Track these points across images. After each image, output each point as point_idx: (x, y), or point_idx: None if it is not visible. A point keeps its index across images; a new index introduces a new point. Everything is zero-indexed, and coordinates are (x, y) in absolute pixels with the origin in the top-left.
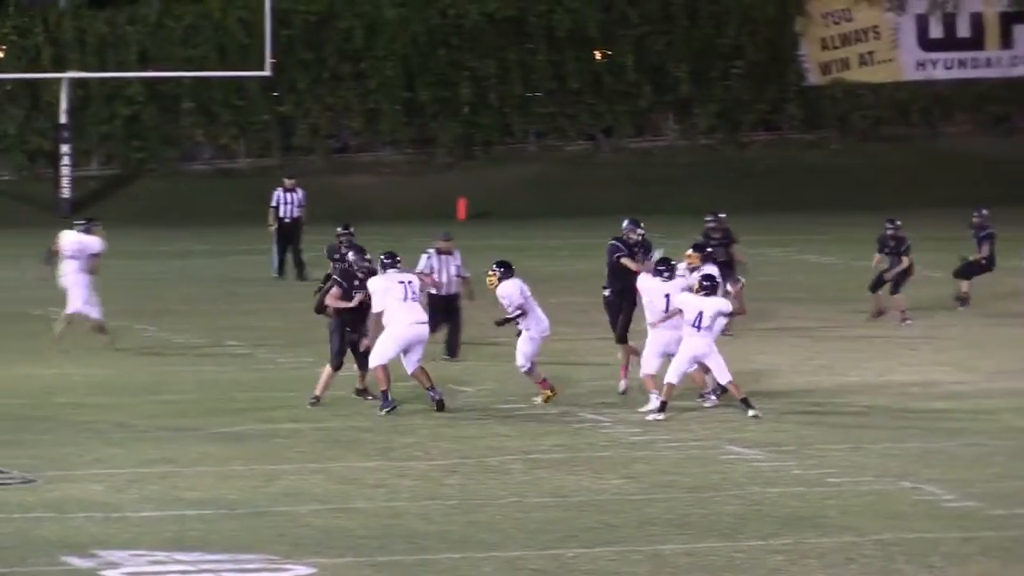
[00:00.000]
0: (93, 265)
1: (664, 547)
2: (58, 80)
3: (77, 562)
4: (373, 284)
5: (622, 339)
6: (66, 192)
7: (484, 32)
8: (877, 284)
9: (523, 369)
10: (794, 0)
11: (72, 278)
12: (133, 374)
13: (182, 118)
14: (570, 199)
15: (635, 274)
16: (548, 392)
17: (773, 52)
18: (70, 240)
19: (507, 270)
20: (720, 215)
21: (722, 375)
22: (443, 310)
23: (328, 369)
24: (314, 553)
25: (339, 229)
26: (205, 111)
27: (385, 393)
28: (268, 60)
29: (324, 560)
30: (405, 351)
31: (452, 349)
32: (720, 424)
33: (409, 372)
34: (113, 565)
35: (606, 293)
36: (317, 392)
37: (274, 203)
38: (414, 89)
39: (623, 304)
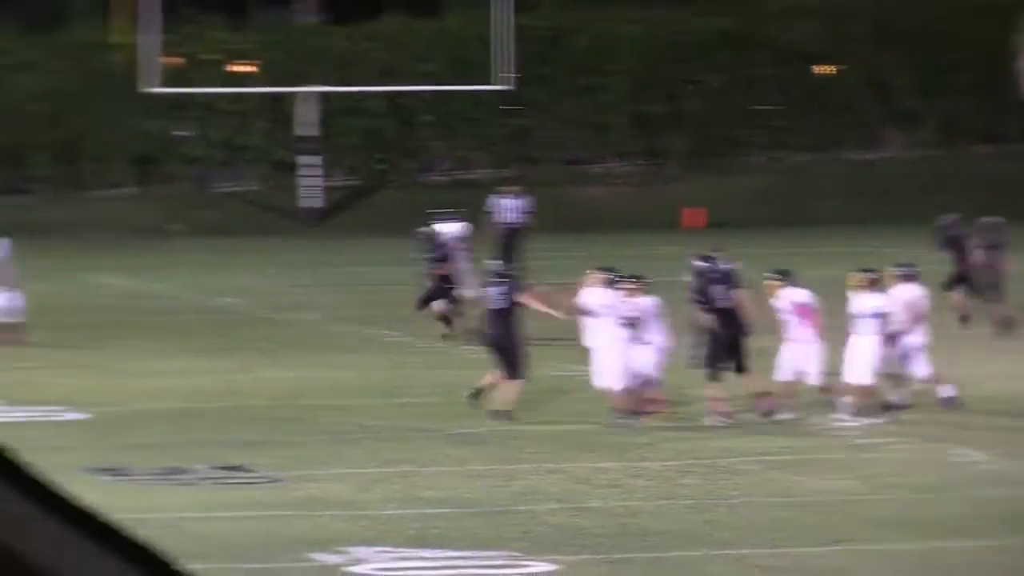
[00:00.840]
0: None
1: (890, 546)
2: (302, 94)
3: (325, 558)
4: (594, 296)
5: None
6: (311, 202)
7: (712, 47)
8: None
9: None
10: (1016, 15)
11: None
12: (374, 377)
13: (421, 131)
14: (796, 209)
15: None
16: (660, 410)
17: (995, 66)
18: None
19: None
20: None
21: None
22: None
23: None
24: (553, 551)
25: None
26: (444, 124)
27: (631, 412)
28: (507, 74)
29: (562, 557)
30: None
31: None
32: (945, 426)
33: (622, 390)
34: (360, 561)
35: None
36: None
37: (493, 209)
38: (644, 102)
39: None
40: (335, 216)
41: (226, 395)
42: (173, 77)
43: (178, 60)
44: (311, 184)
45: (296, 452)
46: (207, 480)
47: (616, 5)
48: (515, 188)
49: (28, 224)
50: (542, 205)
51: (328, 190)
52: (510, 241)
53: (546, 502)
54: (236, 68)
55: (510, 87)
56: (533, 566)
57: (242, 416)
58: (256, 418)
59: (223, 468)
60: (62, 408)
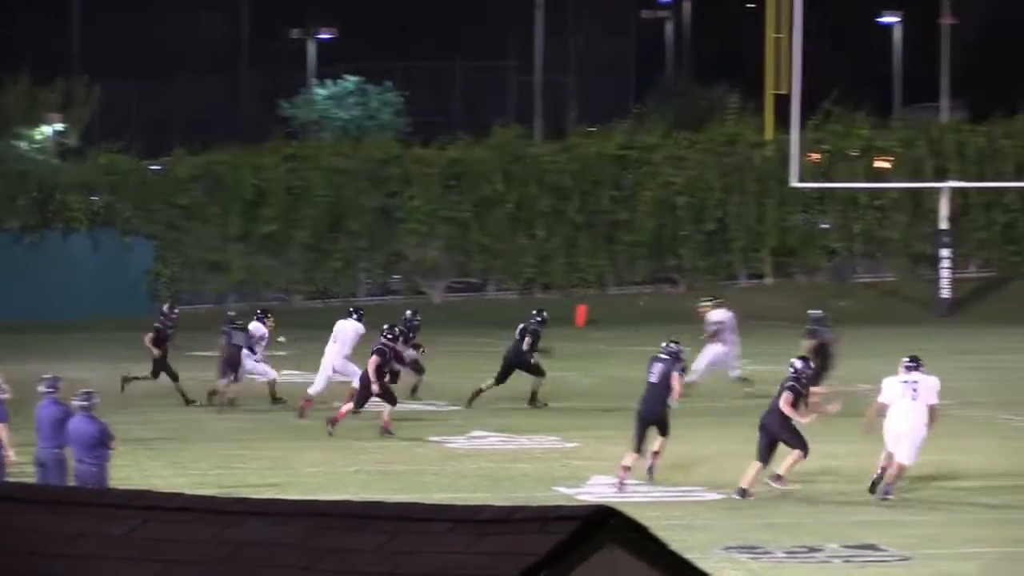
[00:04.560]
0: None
1: None
2: (939, 189)
3: None
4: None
5: None
6: (945, 293)
7: None
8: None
9: None
10: None
11: None
12: (1003, 459)
13: None
14: None
15: None
16: None
17: None
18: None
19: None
20: None
21: None
22: None
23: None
24: None
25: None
26: None
27: None
28: None
29: None
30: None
31: None
32: None
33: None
34: None
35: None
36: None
37: None
38: None
39: None
40: (968, 306)
41: (862, 478)
42: (816, 172)
43: (818, 156)
44: (943, 276)
45: (926, 531)
46: (838, 558)
47: None
48: None
49: (673, 314)
50: None
51: (961, 281)
52: None
53: None
54: (877, 163)
55: None
56: None
57: (870, 497)
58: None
59: (854, 547)
60: (700, 488)
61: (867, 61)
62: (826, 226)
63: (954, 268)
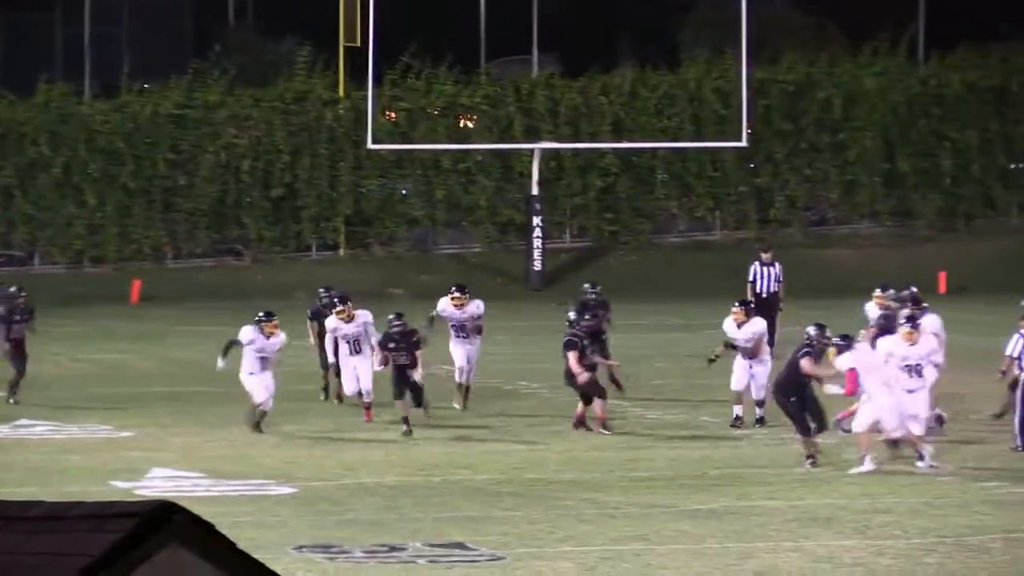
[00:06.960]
0: None
1: None
2: (530, 151)
3: None
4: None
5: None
6: (538, 265)
7: (965, 102)
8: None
9: None
10: None
11: None
12: (605, 450)
13: (656, 189)
14: None
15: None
16: None
17: None
18: None
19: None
20: None
21: None
22: None
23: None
24: None
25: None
26: (680, 182)
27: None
28: (744, 130)
29: None
30: None
31: None
32: None
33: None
34: None
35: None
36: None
37: (751, 278)
38: (894, 160)
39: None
40: (561, 279)
41: (447, 468)
42: (394, 132)
43: (396, 115)
44: (535, 246)
45: (521, 529)
46: (423, 558)
47: (863, 58)
48: (768, 255)
49: (239, 289)
50: (786, 268)
51: (555, 252)
52: (767, 309)
53: None
54: (461, 123)
55: (746, 144)
56: None
57: (464, 490)
58: (478, 492)
59: (441, 545)
60: (270, 482)
61: (450, 11)
62: (406, 192)
63: (546, 238)
